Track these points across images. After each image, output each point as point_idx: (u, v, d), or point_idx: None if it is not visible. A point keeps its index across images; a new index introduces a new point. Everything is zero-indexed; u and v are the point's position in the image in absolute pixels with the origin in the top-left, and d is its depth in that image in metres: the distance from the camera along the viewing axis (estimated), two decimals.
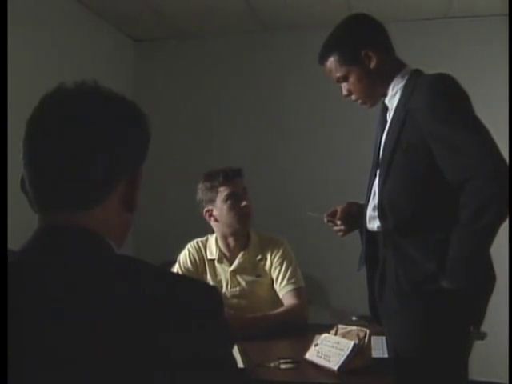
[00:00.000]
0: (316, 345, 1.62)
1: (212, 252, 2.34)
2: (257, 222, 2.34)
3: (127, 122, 0.90)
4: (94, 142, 0.85)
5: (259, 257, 2.31)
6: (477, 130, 1.59)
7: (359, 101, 1.86)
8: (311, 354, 1.61)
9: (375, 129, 1.90)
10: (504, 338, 2.73)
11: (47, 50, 3.15)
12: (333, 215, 1.99)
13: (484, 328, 1.74)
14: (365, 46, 1.76)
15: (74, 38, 3.40)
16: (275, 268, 2.28)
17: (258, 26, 3.89)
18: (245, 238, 2.34)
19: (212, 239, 2.37)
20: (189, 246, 2.39)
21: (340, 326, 1.67)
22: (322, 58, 1.85)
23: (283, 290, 2.24)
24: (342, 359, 1.51)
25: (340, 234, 2.01)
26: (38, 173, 0.86)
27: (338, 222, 1.97)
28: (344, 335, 1.61)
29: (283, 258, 2.28)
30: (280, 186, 3.84)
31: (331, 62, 1.82)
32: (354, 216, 1.96)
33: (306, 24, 3.76)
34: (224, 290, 2.27)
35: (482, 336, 1.84)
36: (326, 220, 2.01)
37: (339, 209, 1.99)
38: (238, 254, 2.31)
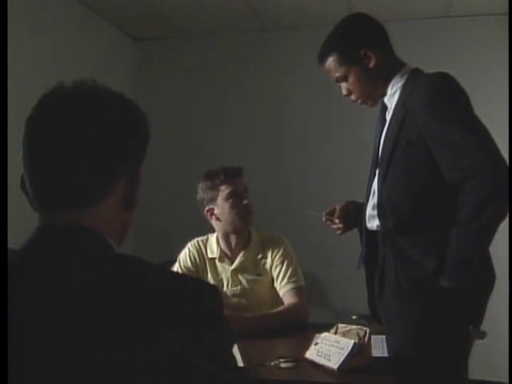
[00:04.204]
0: (316, 344, 1.62)
1: (213, 251, 2.34)
2: (257, 221, 2.34)
3: (126, 121, 0.90)
4: (93, 141, 0.85)
5: (260, 255, 2.31)
6: (476, 129, 1.59)
7: (359, 100, 1.87)
8: (311, 353, 1.61)
9: (374, 128, 1.91)
10: (504, 338, 2.73)
11: (47, 49, 3.15)
12: (331, 214, 2.00)
13: (484, 327, 1.74)
14: (364, 46, 1.76)
15: (74, 36, 3.40)
16: (276, 267, 2.28)
17: (258, 26, 3.89)
18: (246, 236, 2.34)
19: (212, 238, 2.37)
20: (189, 245, 2.39)
21: (340, 325, 1.67)
22: (322, 59, 1.85)
23: (283, 288, 2.24)
24: (342, 358, 1.51)
25: (338, 232, 2.01)
26: (38, 172, 0.86)
27: (337, 221, 1.98)
28: (344, 334, 1.61)
29: (284, 257, 2.28)
30: (280, 185, 3.84)
31: (330, 62, 1.82)
32: (353, 215, 1.97)
33: (306, 24, 3.76)
34: (225, 288, 2.27)
35: (482, 335, 1.84)
36: (324, 219, 2.01)
37: (338, 207, 1.99)
38: (239, 253, 2.31)
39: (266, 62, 3.96)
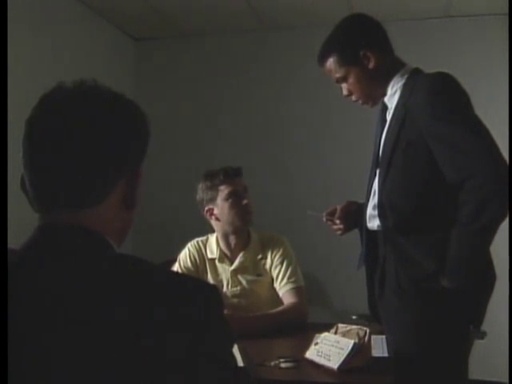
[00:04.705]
0: (316, 344, 1.62)
1: (213, 251, 2.34)
2: (257, 222, 2.34)
3: (126, 121, 0.90)
4: (94, 141, 0.85)
5: (260, 256, 2.31)
6: (476, 129, 1.59)
7: (360, 101, 1.87)
8: (311, 353, 1.61)
9: (375, 128, 1.90)
10: (504, 338, 2.73)
11: (47, 48, 3.15)
12: (332, 214, 2.00)
13: (484, 327, 1.74)
14: (363, 47, 1.76)
15: (74, 36, 3.40)
16: (275, 267, 2.28)
17: (258, 25, 3.89)
18: (245, 236, 2.34)
19: (212, 238, 2.37)
20: (189, 245, 2.39)
21: (340, 325, 1.67)
22: (321, 60, 1.85)
23: (283, 288, 2.24)
24: (342, 358, 1.51)
25: (339, 232, 2.01)
26: (38, 172, 0.86)
27: (337, 221, 1.98)
28: (344, 334, 1.61)
29: (283, 257, 2.28)
30: (280, 185, 3.84)
31: (330, 63, 1.82)
32: (353, 215, 1.97)
33: (306, 23, 3.76)
34: (225, 289, 2.27)
35: (482, 335, 1.84)
36: (324, 219, 2.01)
37: (339, 207, 1.99)
38: (238, 253, 2.31)
39: (266, 62, 3.96)
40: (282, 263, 2.27)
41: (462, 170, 1.57)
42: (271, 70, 3.94)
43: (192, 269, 2.33)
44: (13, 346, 0.75)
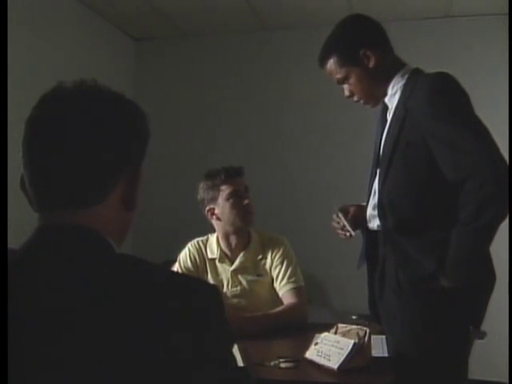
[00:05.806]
0: (316, 344, 1.62)
1: (213, 251, 2.34)
2: (257, 222, 2.34)
3: (126, 121, 0.90)
4: (93, 141, 0.85)
5: (260, 256, 2.31)
6: (476, 129, 1.59)
7: (362, 101, 1.87)
8: (311, 353, 1.61)
9: (375, 128, 1.90)
10: (504, 337, 2.73)
11: (47, 48, 3.15)
12: (345, 212, 1.96)
13: (484, 327, 1.74)
14: (362, 46, 1.76)
15: (73, 36, 3.41)
16: (275, 267, 2.28)
17: (257, 25, 3.89)
18: (246, 237, 2.34)
19: (213, 238, 2.37)
20: (189, 245, 2.39)
21: (340, 325, 1.67)
22: (322, 61, 1.85)
23: (283, 288, 2.24)
24: (342, 358, 1.51)
25: (347, 234, 1.97)
26: (38, 172, 0.86)
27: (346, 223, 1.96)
28: (344, 334, 1.61)
29: (283, 257, 2.28)
30: (280, 185, 3.84)
31: (331, 64, 1.83)
32: (361, 219, 1.94)
33: (306, 23, 3.76)
34: (225, 289, 2.27)
35: (482, 335, 1.84)
36: (334, 220, 1.97)
37: (352, 210, 1.96)
38: (239, 254, 2.31)
39: (266, 62, 3.96)
40: (281, 263, 2.27)
41: (462, 170, 1.57)
42: (271, 70, 3.94)
43: (192, 269, 2.32)
44: (13, 346, 0.75)
